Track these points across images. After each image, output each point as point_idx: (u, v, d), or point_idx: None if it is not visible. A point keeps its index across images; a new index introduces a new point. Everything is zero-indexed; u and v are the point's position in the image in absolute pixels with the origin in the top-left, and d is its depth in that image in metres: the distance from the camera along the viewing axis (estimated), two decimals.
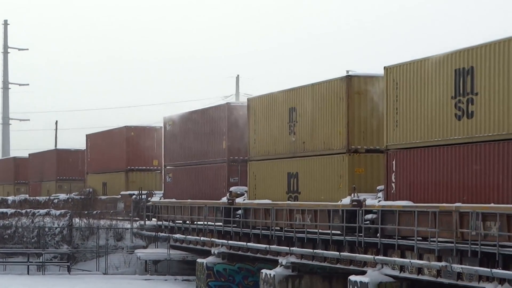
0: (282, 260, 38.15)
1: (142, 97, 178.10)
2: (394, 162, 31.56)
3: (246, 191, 43.63)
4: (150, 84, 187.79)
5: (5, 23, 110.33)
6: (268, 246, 40.02)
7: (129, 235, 58.33)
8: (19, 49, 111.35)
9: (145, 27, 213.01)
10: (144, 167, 67.99)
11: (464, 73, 27.96)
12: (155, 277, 52.73)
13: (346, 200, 33.19)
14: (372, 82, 35.02)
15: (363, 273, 32.04)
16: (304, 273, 37.81)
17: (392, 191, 31.47)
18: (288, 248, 37.92)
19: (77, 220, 59.02)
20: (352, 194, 32.98)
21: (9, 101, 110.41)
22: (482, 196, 26.96)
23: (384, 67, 32.52)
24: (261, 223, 40.56)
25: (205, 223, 47.84)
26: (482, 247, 25.77)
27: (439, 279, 28.67)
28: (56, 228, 56.77)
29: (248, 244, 42.41)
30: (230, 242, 44.47)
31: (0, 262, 55.71)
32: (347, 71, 37.60)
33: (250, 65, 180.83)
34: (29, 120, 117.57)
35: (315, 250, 35.96)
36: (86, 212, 62.80)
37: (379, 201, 31.84)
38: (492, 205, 26.10)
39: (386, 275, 31.10)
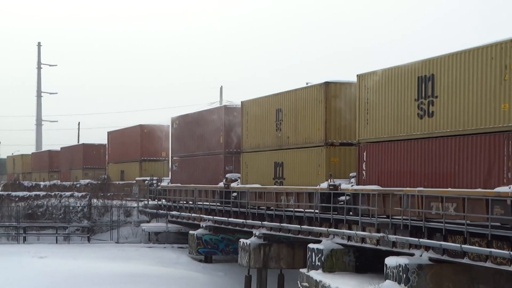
0: (256, 231, 38.07)
1: (151, 101, 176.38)
2: (365, 154, 30.62)
3: (239, 177, 42.85)
4: (156, 91, 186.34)
5: (39, 45, 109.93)
6: (244, 220, 39.98)
7: (136, 212, 58.19)
8: (50, 65, 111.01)
9: (151, 50, 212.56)
10: (154, 158, 68.03)
11: (426, 79, 26.99)
12: (156, 245, 52.46)
13: (324, 185, 32.42)
14: (345, 88, 34.12)
15: (319, 242, 31.94)
16: (273, 242, 37.64)
17: (363, 178, 30.49)
18: (260, 222, 37.98)
19: (95, 200, 58.51)
20: (329, 180, 32.17)
21: (42, 107, 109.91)
22: (440, 182, 25.99)
23: (357, 75, 31.56)
24: (252, 203, 39.71)
25: (196, 203, 48.11)
26: (411, 222, 26.19)
27: (378, 247, 28.66)
28: (78, 206, 56.65)
29: (229, 219, 42.25)
30: (215, 217, 44.62)
31: (34, 233, 55.29)
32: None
33: (231, 77, 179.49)
34: (57, 121, 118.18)
35: (281, 224, 35.86)
36: (102, 194, 62.14)
37: (352, 185, 30.91)
38: (449, 189, 25.22)
39: (337, 243, 31.08)
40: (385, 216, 27.96)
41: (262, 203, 38.51)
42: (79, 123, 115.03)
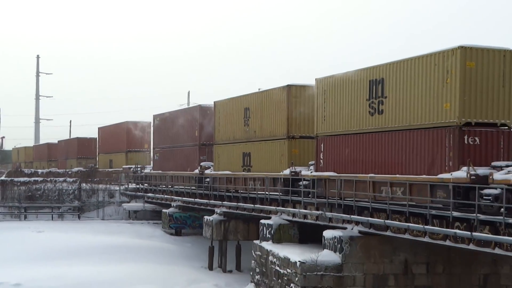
0: (217, 210, 37.72)
1: (134, 103, 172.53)
2: (322, 145, 29.29)
3: (212, 165, 41.35)
4: (139, 95, 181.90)
5: (37, 57, 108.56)
6: (208, 201, 39.73)
7: (118, 194, 57.29)
8: (47, 74, 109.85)
9: (134, 61, 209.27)
10: (138, 149, 66.01)
11: (376, 82, 25.83)
12: (135, 221, 51.69)
13: (287, 171, 31.23)
14: (305, 89, 32.74)
15: (269, 218, 31.71)
16: (232, 219, 37.16)
17: (321, 165, 29.13)
18: (221, 202, 37.77)
19: (84, 184, 57.46)
20: (291, 167, 31.01)
21: (40, 108, 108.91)
22: (389, 170, 24.84)
23: (315, 79, 30.16)
24: (223, 187, 38.34)
25: (173, 186, 47.24)
26: (344, 201, 26.34)
27: (318, 222, 28.58)
28: (70, 190, 56.11)
29: (195, 199, 41.89)
30: (183, 198, 44.26)
31: (33, 212, 54.47)
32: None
33: (197, 84, 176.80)
34: (52, 119, 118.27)
35: (238, 203, 35.75)
36: (89, 179, 61.14)
37: (311, 172, 29.56)
38: (397, 175, 24.15)
39: (284, 219, 30.93)
40: (338, 198, 26.82)
41: (232, 187, 37.16)
42: (70, 121, 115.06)
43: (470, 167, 20.85)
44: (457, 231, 20.83)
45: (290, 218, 30.59)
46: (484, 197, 19.98)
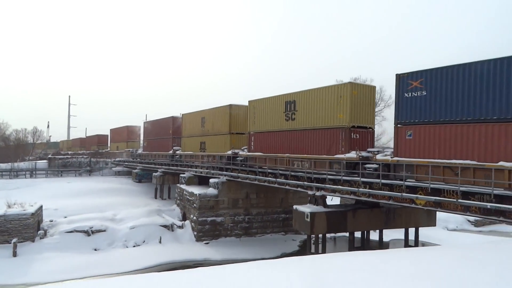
0: (160, 169, 34.76)
1: (130, 115, 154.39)
2: (252, 138, 23.52)
3: (180, 149, 34.14)
4: (131, 109, 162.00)
5: (69, 97, 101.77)
6: (155, 165, 36.73)
7: (110, 164, 50.88)
8: (73, 105, 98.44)
9: (128, 91, 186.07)
10: (133, 140, 55.87)
11: (290, 103, 20.71)
12: (118, 176, 46.11)
13: (229, 152, 25.30)
14: (241, 107, 26.95)
15: (184, 173, 29.36)
16: (166, 174, 34.35)
17: (252, 149, 23.30)
18: (161, 166, 34.87)
19: (92, 159, 50.97)
20: (232, 150, 25.16)
21: (70, 122, 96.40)
22: (298, 152, 19.61)
23: (248, 101, 24.47)
24: (188, 161, 31.45)
25: (151, 160, 40.19)
26: (219, 164, 24.97)
27: (207, 175, 26.33)
28: (85, 161, 49.89)
29: (149, 165, 38.61)
30: (143, 165, 40.46)
31: (65, 173, 47.33)
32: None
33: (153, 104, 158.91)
34: (76, 127, 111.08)
35: (169, 167, 33.12)
36: (95, 156, 55.12)
37: (246, 152, 23.65)
38: (305, 155, 18.92)
39: (192, 173, 28.57)
40: (258, 167, 21.39)
41: (193, 160, 30.46)
42: (86, 128, 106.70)
43: (358, 151, 15.97)
44: (270, 178, 20.01)
45: (194, 173, 28.28)
46: (367, 169, 15.13)
